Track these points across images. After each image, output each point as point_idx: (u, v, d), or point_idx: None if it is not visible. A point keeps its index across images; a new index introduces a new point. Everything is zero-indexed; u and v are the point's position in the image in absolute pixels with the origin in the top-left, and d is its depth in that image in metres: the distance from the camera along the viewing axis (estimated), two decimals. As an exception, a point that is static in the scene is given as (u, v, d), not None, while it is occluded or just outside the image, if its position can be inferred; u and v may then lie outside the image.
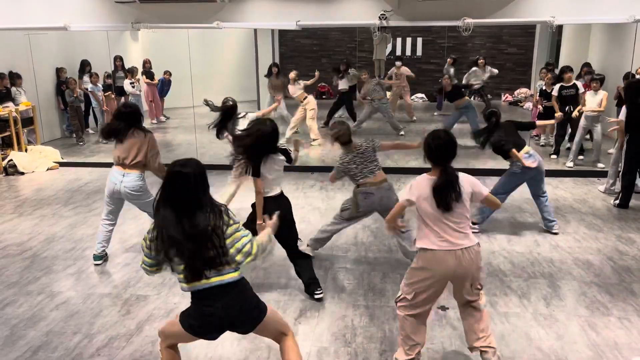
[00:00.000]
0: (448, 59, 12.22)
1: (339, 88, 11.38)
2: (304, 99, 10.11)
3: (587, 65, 9.89)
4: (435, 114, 12.87)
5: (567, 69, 8.62)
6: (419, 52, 14.88)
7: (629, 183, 6.59)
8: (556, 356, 3.61)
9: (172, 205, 2.68)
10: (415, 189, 3.25)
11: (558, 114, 7.14)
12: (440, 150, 3.24)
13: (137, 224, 6.10)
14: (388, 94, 11.16)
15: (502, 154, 5.62)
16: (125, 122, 4.85)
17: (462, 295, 3.34)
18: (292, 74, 10.27)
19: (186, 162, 2.74)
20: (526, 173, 5.56)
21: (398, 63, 11.73)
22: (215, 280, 2.71)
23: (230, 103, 5.79)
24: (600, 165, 8.25)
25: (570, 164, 8.41)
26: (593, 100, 8.14)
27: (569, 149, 9.27)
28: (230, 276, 2.75)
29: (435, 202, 3.16)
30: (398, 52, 14.72)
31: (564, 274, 4.84)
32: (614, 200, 6.76)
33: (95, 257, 5.13)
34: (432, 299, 3.30)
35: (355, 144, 4.81)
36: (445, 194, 3.15)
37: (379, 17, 7.73)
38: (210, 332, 2.85)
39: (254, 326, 2.87)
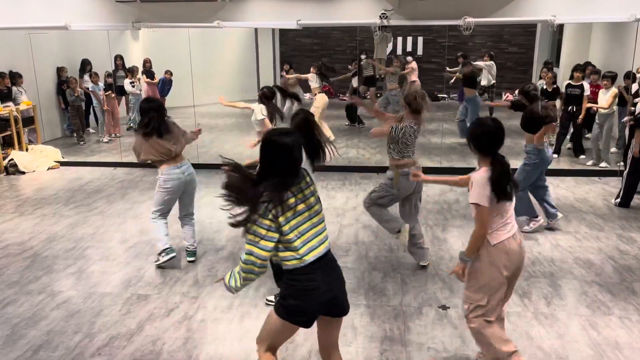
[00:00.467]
0: (459, 60, 12.05)
1: (354, 86, 11.61)
2: (314, 95, 10.05)
3: (591, 65, 9.84)
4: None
5: (579, 67, 8.65)
6: (419, 51, 14.90)
7: (632, 183, 6.59)
8: (557, 355, 3.61)
9: (274, 169, 2.65)
10: (481, 192, 3.01)
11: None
12: (490, 139, 3.04)
13: (138, 223, 6.10)
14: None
15: (534, 128, 5.44)
16: (156, 116, 4.76)
17: (509, 292, 3.24)
18: (312, 68, 10.24)
19: (285, 132, 2.73)
20: (543, 163, 5.58)
21: (409, 58, 11.90)
22: (323, 248, 2.71)
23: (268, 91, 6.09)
24: (603, 164, 8.25)
25: (590, 162, 8.45)
26: (604, 98, 8.15)
27: (569, 148, 9.27)
28: (327, 242, 2.77)
29: (495, 196, 2.99)
30: (399, 52, 14.73)
31: (565, 273, 4.83)
32: (615, 199, 6.75)
33: (170, 251, 4.95)
34: (503, 297, 3.15)
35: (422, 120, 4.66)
36: (505, 185, 2.99)
37: (380, 17, 7.72)
38: (311, 311, 2.71)
39: (348, 306, 2.84)
